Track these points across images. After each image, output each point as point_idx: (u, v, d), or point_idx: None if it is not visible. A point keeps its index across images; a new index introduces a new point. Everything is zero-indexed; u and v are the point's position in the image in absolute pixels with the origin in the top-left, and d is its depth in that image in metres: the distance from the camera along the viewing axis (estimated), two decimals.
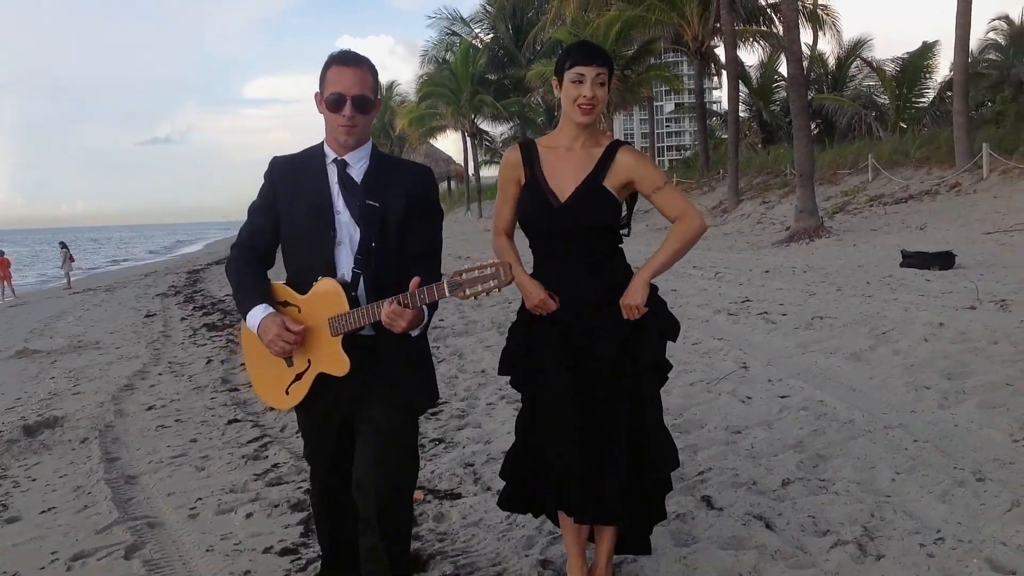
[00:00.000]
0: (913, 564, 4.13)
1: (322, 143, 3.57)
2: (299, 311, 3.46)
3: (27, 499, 6.57)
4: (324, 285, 3.38)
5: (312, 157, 3.56)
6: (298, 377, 3.52)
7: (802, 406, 6.85)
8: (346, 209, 3.44)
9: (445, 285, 3.06)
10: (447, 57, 61.39)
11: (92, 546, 5.37)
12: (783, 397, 7.19)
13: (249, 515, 5.59)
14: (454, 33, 62.62)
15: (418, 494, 5.59)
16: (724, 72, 35.55)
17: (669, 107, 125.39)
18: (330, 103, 3.42)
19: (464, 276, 3.03)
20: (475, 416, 7.45)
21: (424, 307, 3.25)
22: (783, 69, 37.53)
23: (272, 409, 7.77)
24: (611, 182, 3.70)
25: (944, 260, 14.25)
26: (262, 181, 3.66)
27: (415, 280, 3.17)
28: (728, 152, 32.92)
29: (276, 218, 3.54)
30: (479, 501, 5.43)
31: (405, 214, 3.45)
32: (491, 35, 61.83)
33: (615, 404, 3.71)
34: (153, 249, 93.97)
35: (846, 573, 4.11)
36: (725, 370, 8.33)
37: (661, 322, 3.80)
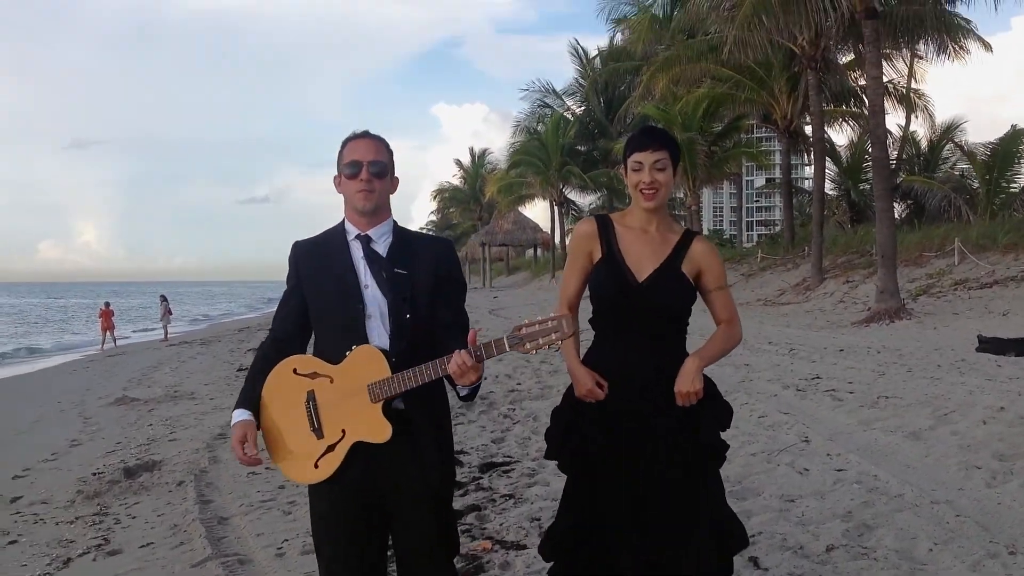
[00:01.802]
0: None
1: (342, 222, 3.61)
2: (331, 381, 3.41)
3: (127, 534, 7.19)
4: (362, 352, 3.36)
5: (334, 236, 3.60)
6: (330, 448, 3.41)
7: (856, 479, 7.14)
8: (374, 282, 3.46)
9: (505, 340, 3.08)
10: (539, 128, 62.09)
11: None
12: (839, 470, 7.48)
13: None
14: (546, 105, 63.40)
15: (486, 543, 6.04)
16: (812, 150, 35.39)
17: (760, 182, 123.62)
18: (346, 171, 3.48)
19: (524, 331, 3.04)
20: (544, 475, 7.82)
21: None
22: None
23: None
24: (687, 268, 3.72)
25: (1020, 346, 14.23)
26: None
27: (472, 333, 3.24)
28: (812, 230, 32.42)
29: (304, 302, 3.57)
30: None
31: (433, 284, 3.48)
32: (583, 107, 62.55)
33: (676, 475, 3.65)
34: (248, 303, 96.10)
35: None
36: (787, 443, 8.58)
37: (716, 407, 3.77)
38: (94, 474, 9.58)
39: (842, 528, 5.97)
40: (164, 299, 38.08)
